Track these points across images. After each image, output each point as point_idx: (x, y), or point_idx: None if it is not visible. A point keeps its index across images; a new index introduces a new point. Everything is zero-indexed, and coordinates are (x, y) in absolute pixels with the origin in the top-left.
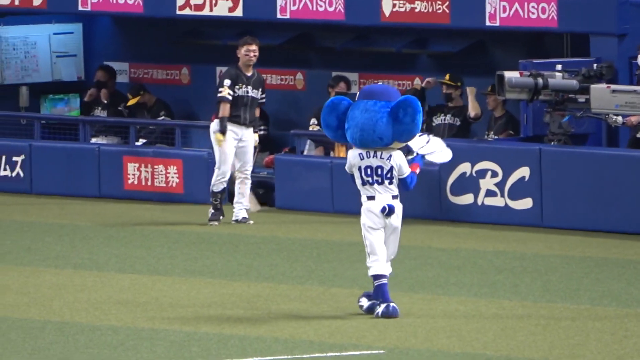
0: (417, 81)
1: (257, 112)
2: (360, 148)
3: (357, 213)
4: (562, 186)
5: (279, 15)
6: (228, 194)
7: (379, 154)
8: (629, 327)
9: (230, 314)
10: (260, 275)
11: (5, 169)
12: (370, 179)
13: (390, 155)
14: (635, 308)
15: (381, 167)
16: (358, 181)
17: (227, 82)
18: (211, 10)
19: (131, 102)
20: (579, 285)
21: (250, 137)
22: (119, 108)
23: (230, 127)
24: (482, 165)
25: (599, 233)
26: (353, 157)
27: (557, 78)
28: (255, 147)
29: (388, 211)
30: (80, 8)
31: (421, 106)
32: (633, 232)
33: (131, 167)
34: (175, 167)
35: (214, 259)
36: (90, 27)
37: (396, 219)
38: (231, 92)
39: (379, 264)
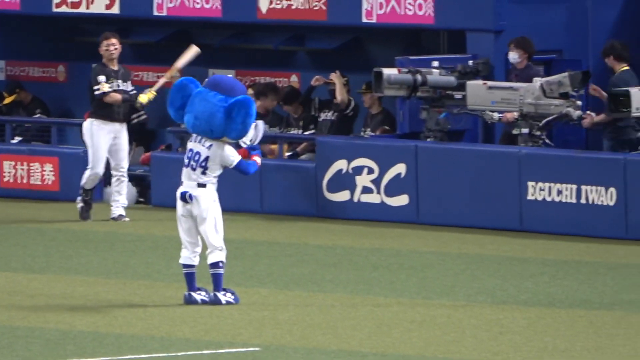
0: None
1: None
2: (192, 133)
3: (234, 210)
4: (438, 183)
5: (155, 12)
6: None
7: (203, 140)
8: (504, 323)
9: (105, 312)
10: (136, 273)
11: None
12: (187, 162)
13: (212, 145)
14: (511, 304)
15: (199, 154)
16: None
17: (101, 77)
18: (88, 7)
19: (7, 100)
20: (454, 282)
21: (124, 132)
22: None
23: (104, 124)
24: (358, 162)
25: (475, 229)
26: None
27: (435, 75)
28: (139, 105)
29: (182, 197)
30: None
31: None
32: (508, 228)
33: (7, 165)
34: (51, 165)
35: (89, 257)
36: None
37: (197, 207)
38: (110, 86)
39: (183, 253)
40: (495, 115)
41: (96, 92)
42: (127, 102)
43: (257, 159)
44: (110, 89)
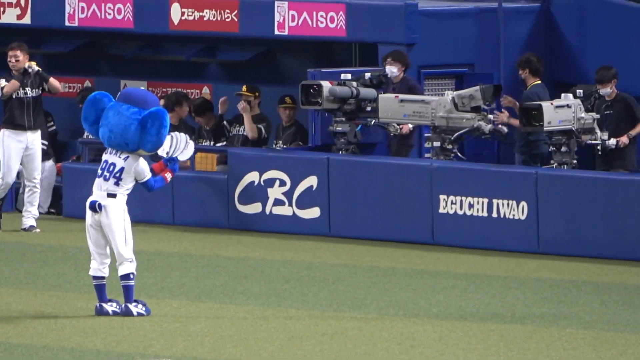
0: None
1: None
2: (108, 147)
3: (146, 221)
4: (349, 195)
5: (67, 23)
6: (15, 202)
7: (119, 152)
8: (415, 336)
9: (16, 322)
10: (47, 284)
11: None
12: (101, 172)
13: (128, 157)
14: (422, 317)
15: (114, 165)
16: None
17: (1, 81)
18: None
19: None
20: (366, 295)
21: (37, 143)
22: None
23: (14, 134)
24: (270, 174)
25: (387, 243)
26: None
27: (362, 87)
28: (33, 68)
29: (91, 207)
30: None
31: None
32: (420, 241)
33: None
34: None
35: (0, 267)
36: None
37: (106, 217)
38: (7, 80)
39: (92, 264)
40: (398, 127)
41: (2, 95)
42: (22, 78)
43: (168, 175)
44: (5, 83)
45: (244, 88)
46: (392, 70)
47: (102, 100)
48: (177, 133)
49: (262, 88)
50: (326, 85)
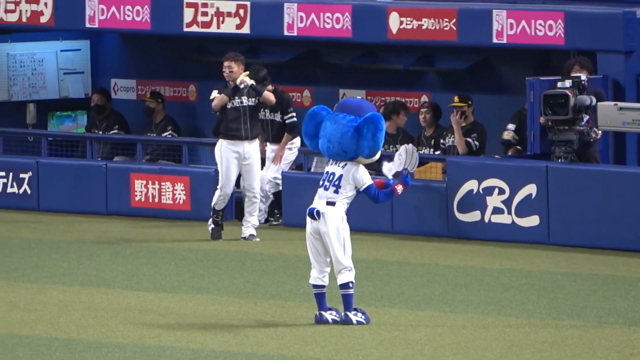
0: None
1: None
2: (328, 158)
3: (365, 230)
4: (568, 203)
5: (286, 32)
6: (236, 211)
7: (339, 162)
8: (635, 344)
9: (236, 331)
10: (267, 293)
11: (12, 186)
12: (322, 182)
13: (346, 164)
14: None
15: (333, 174)
16: None
17: (214, 92)
18: (218, 27)
19: (148, 102)
20: (585, 303)
21: (255, 152)
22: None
23: (231, 145)
24: (489, 182)
25: (606, 251)
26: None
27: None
28: (246, 83)
29: (310, 213)
30: (87, 25)
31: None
32: None
33: (138, 184)
34: (182, 184)
35: (220, 276)
36: (98, 44)
37: (324, 225)
38: (219, 91)
39: (312, 273)
40: (599, 132)
41: (211, 106)
42: (231, 94)
43: (399, 188)
44: (216, 95)
45: (456, 99)
46: (581, 77)
47: (319, 113)
48: (402, 148)
49: (480, 97)
50: (572, 95)
